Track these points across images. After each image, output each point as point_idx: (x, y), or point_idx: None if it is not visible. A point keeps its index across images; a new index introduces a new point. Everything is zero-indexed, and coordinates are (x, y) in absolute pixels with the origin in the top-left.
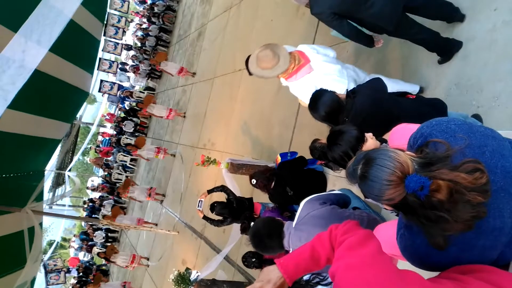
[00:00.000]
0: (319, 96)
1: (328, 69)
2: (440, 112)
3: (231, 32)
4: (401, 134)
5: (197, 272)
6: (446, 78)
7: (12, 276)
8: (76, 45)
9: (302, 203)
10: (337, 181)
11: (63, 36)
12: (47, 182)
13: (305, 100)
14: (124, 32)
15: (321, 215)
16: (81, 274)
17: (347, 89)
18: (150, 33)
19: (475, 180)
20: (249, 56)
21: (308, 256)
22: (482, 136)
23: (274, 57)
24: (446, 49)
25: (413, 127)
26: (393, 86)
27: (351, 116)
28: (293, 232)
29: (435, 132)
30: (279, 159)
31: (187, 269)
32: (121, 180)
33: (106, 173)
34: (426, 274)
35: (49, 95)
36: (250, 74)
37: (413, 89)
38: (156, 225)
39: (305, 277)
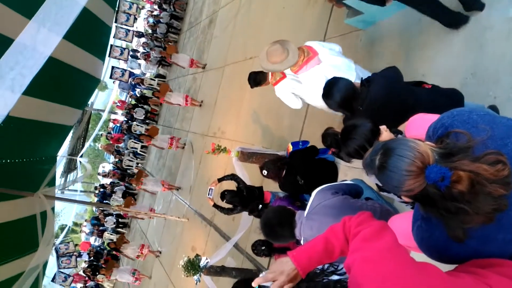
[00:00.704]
0: (334, 83)
1: (336, 62)
2: (456, 102)
3: (242, 20)
4: (419, 125)
5: (206, 258)
6: (462, 67)
7: (25, 259)
8: (87, 31)
9: (313, 193)
10: (348, 171)
11: (75, 23)
12: (59, 168)
13: (317, 91)
14: (135, 18)
15: (333, 205)
16: (92, 258)
17: (361, 78)
18: (161, 20)
19: (497, 172)
20: (251, 73)
21: (321, 248)
22: (505, 127)
23: (284, 51)
24: (452, 22)
25: (431, 118)
26: None
27: (365, 105)
28: (305, 221)
29: (457, 122)
30: (290, 148)
31: (197, 255)
32: (132, 166)
33: (117, 160)
34: (443, 267)
35: (61, 82)
36: (252, 87)
37: None
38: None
39: (320, 267)
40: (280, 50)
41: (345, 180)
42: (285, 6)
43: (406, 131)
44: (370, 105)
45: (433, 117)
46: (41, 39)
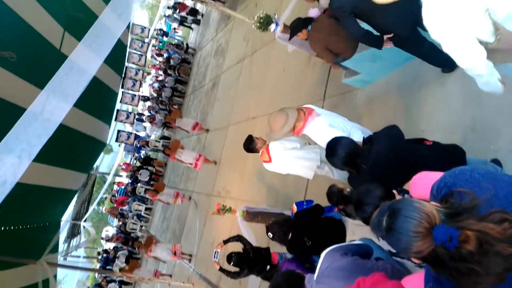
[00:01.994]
0: (337, 141)
1: (334, 119)
2: (458, 158)
3: (245, 82)
4: (423, 184)
5: None
6: (461, 122)
7: None
8: (95, 98)
9: (322, 255)
10: (357, 229)
11: (84, 90)
12: (63, 233)
13: (322, 140)
14: (141, 84)
15: (343, 266)
16: None
17: (363, 136)
18: (166, 84)
19: (504, 230)
20: (247, 137)
21: None
22: (508, 185)
23: (283, 116)
24: (450, 62)
25: (434, 176)
26: None
27: (369, 164)
28: (315, 285)
29: (459, 181)
30: (295, 208)
31: None
32: (136, 229)
33: (121, 223)
34: None
35: (68, 147)
36: (247, 151)
37: None
38: (171, 276)
39: None
40: (279, 116)
41: (354, 240)
42: (285, 69)
43: (411, 190)
44: (374, 163)
45: (437, 175)
46: (51, 108)
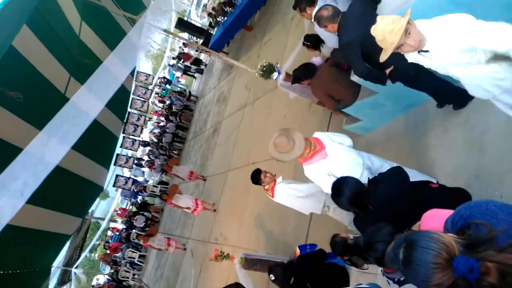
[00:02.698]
0: (342, 181)
1: (343, 157)
2: (464, 201)
3: (246, 128)
4: (435, 219)
5: None
6: (465, 169)
7: None
8: (96, 141)
9: None
10: (360, 276)
11: (84, 133)
12: (53, 279)
13: (320, 184)
14: (142, 129)
15: None
16: None
17: (368, 177)
18: (167, 130)
19: None
20: (256, 170)
21: None
22: None
23: (289, 143)
24: (461, 97)
25: (445, 213)
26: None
27: (375, 205)
28: None
29: (475, 213)
30: (297, 251)
31: None
32: (128, 278)
33: (113, 271)
34: None
35: (64, 190)
36: (253, 182)
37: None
38: None
39: None
40: (285, 141)
41: (360, 284)
42: (286, 115)
43: (422, 227)
44: (380, 204)
45: (447, 212)
46: (49, 149)
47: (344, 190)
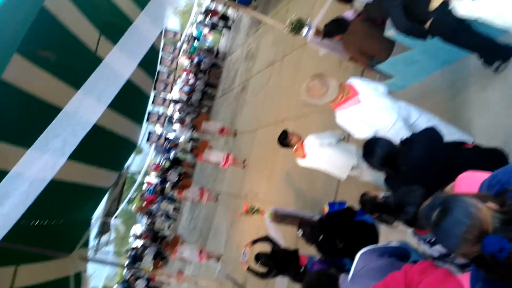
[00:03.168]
0: (374, 141)
1: (377, 103)
2: (500, 161)
3: (274, 85)
4: (470, 182)
5: None
6: (503, 128)
7: None
8: (129, 99)
9: (358, 255)
10: (390, 233)
11: (118, 92)
12: (94, 229)
13: (350, 130)
14: (172, 87)
15: (379, 268)
16: None
17: (401, 138)
18: (196, 88)
19: None
20: (282, 132)
21: None
22: None
23: (322, 87)
24: (505, 53)
25: (481, 175)
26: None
27: (407, 166)
28: (349, 285)
29: None
30: (326, 209)
31: None
32: (164, 229)
33: (149, 222)
34: None
35: (102, 146)
36: (281, 145)
37: (468, 139)
38: (197, 277)
39: None
40: (319, 85)
41: (390, 242)
42: (315, 71)
43: (456, 190)
44: (412, 165)
45: (484, 175)
46: (86, 108)
47: (376, 150)
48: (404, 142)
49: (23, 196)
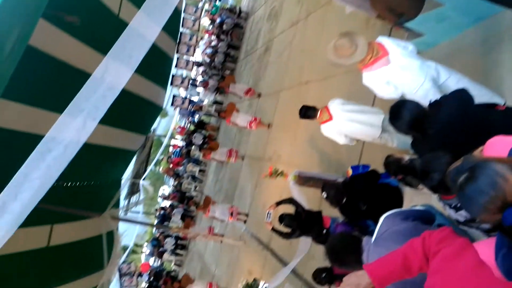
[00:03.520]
0: (401, 104)
1: (406, 64)
2: None
3: (298, 45)
4: (500, 147)
5: (264, 283)
6: None
7: (91, 278)
8: (153, 63)
9: (381, 218)
10: (415, 196)
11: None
12: (123, 190)
13: (377, 92)
14: (195, 49)
15: (403, 231)
16: (152, 279)
17: (430, 100)
18: (218, 49)
19: None
20: (303, 106)
21: (399, 264)
22: None
23: (351, 46)
24: None
25: (511, 140)
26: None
27: (435, 128)
28: (373, 248)
29: None
30: (350, 172)
31: (254, 280)
32: (191, 189)
33: (176, 183)
34: None
35: (129, 110)
36: (300, 118)
37: (499, 100)
38: (223, 235)
39: None
40: (348, 44)
41: (415, 206)
42: (341, 30)
43: (485, 153)
44: (440, 128)
45: None
46: (115, 73)
47: (403, 113)
48: (433, 104)
49: (59, 159)
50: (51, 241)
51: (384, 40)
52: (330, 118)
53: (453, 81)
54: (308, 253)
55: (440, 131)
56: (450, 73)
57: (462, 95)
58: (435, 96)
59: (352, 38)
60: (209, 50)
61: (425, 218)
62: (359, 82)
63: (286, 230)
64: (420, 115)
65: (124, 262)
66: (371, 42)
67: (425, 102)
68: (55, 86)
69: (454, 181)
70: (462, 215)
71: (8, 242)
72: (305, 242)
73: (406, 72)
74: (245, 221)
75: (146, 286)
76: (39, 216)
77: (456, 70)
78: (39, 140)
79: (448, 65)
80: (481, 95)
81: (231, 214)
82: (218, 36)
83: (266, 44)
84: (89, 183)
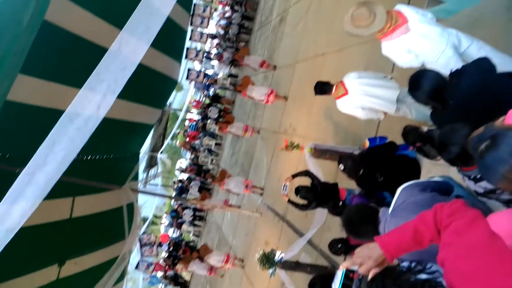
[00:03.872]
0: (421, 73)
1: (426, 31)
2: None
3: (314, 16)
4: None
5: (281, 253)
6: None
7: (112, 247)
8: (167, 36)
9: (399, 190)
10: (433, 167)
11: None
12: (142, 163)
13: (397, 61)
14: (209, 21)
15: (421, 202)
16: (171, 249)
17: (451, 69)
18: (232, 21)
19: None
20: (318, 82)
21: (410, 237)
22: None
23: (370, 16)
24: None
25: None
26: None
27: (455, 98)
28: (389, 218)
29: None
30: (367, 144)
31: (272, 249)
32: (207, 162)
33: (193, 156)
34: None
35: (145, 84)
36: (316, 94)
37: None
38: (240, 207)
39: (405, 264)
40: (366, 14)
41: (433, 177)
42: (358, 0)
43: (506, 122)
44: (461, 98)
45: None
46: (131, 47)
47: (422, 83)
48: (454, 74)
49: (80, 132)
50: (73, 212)
51: (403, 8)
52: (346, 92)
53: (475, 49)
54: (323, 224)
55: (461, 101)
56: (472, 40)
57: (484, 63)
58: (457, 64)
59: (370, 7)
60: (223, 22)
61: (443, 189)
62: (376, 53)
63: (302, 202)
64: (440, 84)
65: (144, 232)
66: (389, 10)
67: (446, 71)
68: (73, 61)
69: (475, 148)
70: (481, 186)
71: (33, 213)
72: (321, 214)
73: (426, 40)
74: (261, 194)
75: (166, 256)
76: (61, 188)
77: (479, 38)
78: (59, 115)
79: (469, 34)
80: (504, 63)
81: (246, 186)
82: (232, 7)
83: (281, 15)
84: (109, 156)
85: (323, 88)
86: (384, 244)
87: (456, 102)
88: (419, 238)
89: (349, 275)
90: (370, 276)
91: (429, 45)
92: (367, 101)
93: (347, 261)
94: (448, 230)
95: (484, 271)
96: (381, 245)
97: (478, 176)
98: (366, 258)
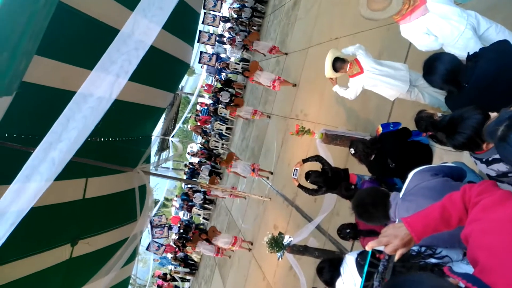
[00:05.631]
0: (437, 57)
1: (445, 11)
2: None
3: (328, 0)
4: None
5: (289, 237)
6: None
7: (124, 228)
8: (179, 18)
9: (410, 174)
10: (445, 154)
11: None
12: (154, 147)
13: (416, 44)
14: (222, 4)
15: (433, 186)
16: (181, 231)
17: (468, 52)
18: (246, 4)
19: None
20: (335, 58)
21: (437, 216)
22: None
23: None
24: None
25: None
26: None
27: (471, 82)
28: (400, 202)
29: None
30: (380, 129)
31: (280, 233)
32: (218, 147)
33: (204, 140)
34: None
35: (156, 67)
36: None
37: None
38: (245, 197)
39: (415, 248)
40: None
41: (446, 163)
42: None
43: None
44: (477, 82)
45: None
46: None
47: (438, 67)
48: (471, 57)
49: (94, 110)
50: (86, 193)
51: None
52: (361, 71)
53: (494, 32)
54: (332, 209)
55: (477, 84)
56: (491, 23)
57: (502, 47)
58: (476, 47)
59: None
60: (236, 5)
61: (456, 174)
62: (391, 37)
63: (312, 186)
64: (456, 67)
65: (155, 214)
66: None
67: (465, 54)
68: (87, 43)
69: (492, 132)
70: (493, 170)
71: (47, 193)
72: (330, 199)
73: (446, 21)
74: (267, 177)
75: (176, 238)
76: (75, 170)
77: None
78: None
79: (489, 18)
80: None
81: (253, 170)
82: None
83: None
84: (121, 139)
85: (335, 64)
86: (410, 223)
87: (472, 85)
88: (447, 217)
89: (375, 255)
90: (397, 257)
91: (449, 26)
92: (380, 80)
93: (374, 241)
94: (476, 207)
95: (509, 247)
96: (408, 224)
97: (490, 158)
98: (392, 238)
